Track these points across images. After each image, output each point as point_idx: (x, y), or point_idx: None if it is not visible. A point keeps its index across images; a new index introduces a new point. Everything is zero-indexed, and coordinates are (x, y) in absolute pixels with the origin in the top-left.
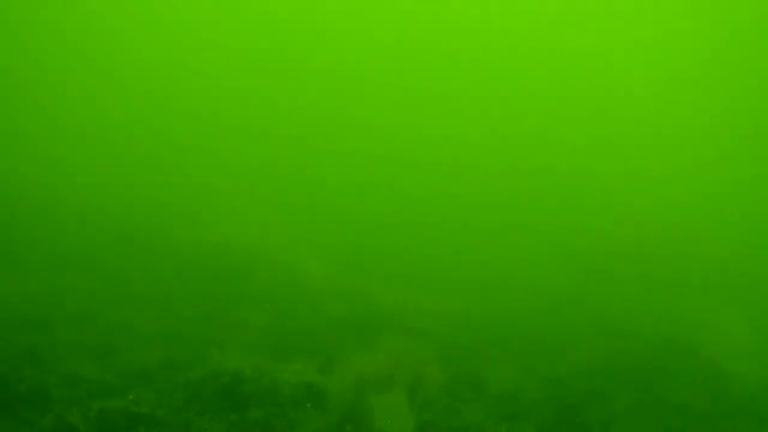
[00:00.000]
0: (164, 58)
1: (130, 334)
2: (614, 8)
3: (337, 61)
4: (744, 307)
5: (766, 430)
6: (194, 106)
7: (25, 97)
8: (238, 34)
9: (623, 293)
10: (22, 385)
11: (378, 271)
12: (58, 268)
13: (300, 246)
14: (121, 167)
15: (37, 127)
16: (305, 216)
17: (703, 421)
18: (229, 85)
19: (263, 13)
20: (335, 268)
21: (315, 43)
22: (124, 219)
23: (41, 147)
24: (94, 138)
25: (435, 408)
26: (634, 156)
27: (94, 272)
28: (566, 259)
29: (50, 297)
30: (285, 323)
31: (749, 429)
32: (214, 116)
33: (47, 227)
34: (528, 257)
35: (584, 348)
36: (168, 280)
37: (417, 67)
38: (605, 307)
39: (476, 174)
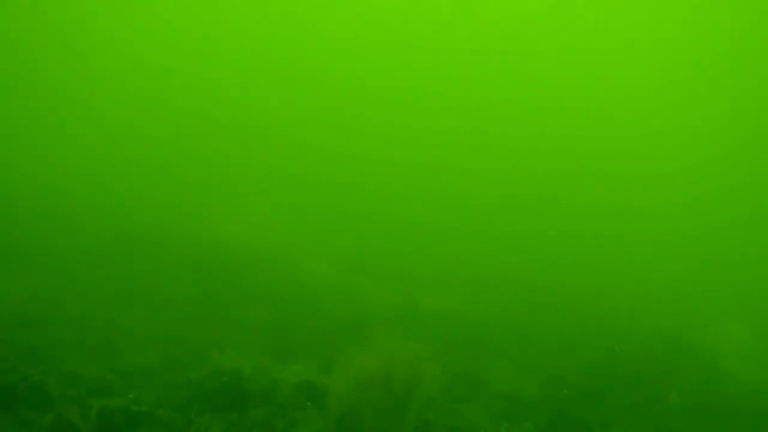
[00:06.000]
0: (164, 59)
1: (130, 334)
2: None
3: (338, 62)
4: (744, 306)
5: (765, 430)
6: (195, 107)
7: (25, 99)
8: (238, 35)
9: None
10: (23, 384)
11: (378, 272)
12: (58, 268)
13: (300, 246)
14: (122, 168)
15: (37, 128)
16: (306, 217)
17: (702, 421)
18: (231, 86)
19: (267, 14)
20: (335, 268)
21: (317, 44)
22: (125, 219)
23: (41, 148)
24: (94, 138)
25: (435, 407)
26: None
27: (94, 272)
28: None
29: (50, 297)
30: (285, 323)
31: (749, 429)
32: (214, 116)
33: (47, 227)
34: (528, 258)
35: (584, 347)
36: (168, 280)
37: (417, 70)
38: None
39: (475, 176)
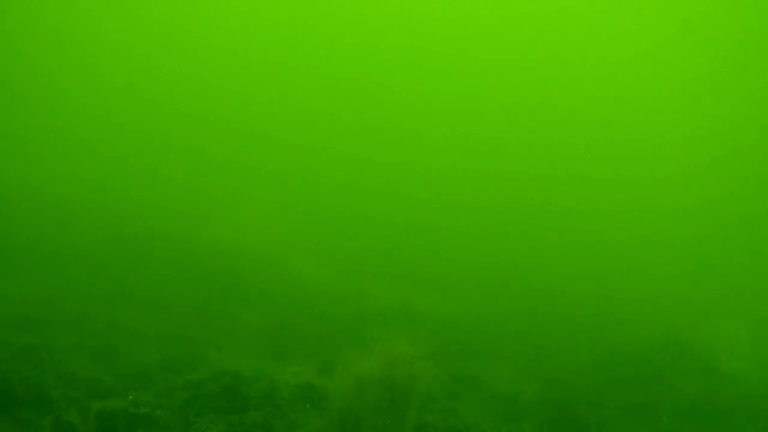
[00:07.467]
0: (163, 59)
1: (130, 335)
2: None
3: (337, 63)
4: (743, 307)
5: (765, 431)
6: (194, 107)
7: (23, 98)
8: (236, 34)
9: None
10: (22, 385)
11: (377, 273)
12: (58, 268)
13: (299, 247)
14: (121, 168)
15: (36, 128)
16: (305, 217)
17: (701, 422)
18: (228, 86)
19: (264, 13)
20: (335, 269)
21: (316, 45)
22: (124, 219)
23: (40, 147)
24: (94, 138)
25: (434, 408)
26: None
27: (93, 272)
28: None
29: (50, 297)
30: (284, 324)
31: (748, 429)
32: (213, 117)
33: (47, 227)
34: (527, 260)
35: (583, 348)
36: (167, 281)
37: (417, 71)
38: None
39: (474, 177)
